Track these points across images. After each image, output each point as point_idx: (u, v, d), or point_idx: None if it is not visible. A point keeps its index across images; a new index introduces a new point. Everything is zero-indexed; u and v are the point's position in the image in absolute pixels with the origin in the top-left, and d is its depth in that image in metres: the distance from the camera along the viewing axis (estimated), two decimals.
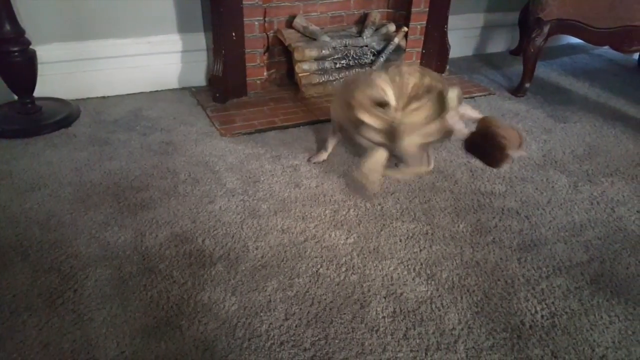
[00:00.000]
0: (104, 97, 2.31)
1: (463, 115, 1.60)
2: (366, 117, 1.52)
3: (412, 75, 1.57)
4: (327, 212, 1.60)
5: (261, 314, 1.22)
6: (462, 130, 1.58)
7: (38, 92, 2.07)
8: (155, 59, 2.35)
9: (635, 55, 3.02)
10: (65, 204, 1.58)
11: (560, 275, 1.39)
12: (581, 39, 2.38)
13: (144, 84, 2.38)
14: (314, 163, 1.86)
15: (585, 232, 1.56)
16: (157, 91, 2.40)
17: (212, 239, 1.46)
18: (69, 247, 1.40)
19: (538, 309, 1.28)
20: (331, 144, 1.87)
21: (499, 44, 3.15)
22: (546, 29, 2.34)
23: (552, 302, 1.30)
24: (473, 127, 1.58)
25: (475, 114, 1.62)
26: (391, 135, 1.53)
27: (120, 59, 2.28)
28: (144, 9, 2.24)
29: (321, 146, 1.91)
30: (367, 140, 1.59)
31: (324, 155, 1.87)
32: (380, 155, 1.62)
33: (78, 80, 2.25)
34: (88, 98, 2.29)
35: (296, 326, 1.20)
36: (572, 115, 2.32)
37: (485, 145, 1.55)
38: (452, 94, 1.50)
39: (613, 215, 1.65)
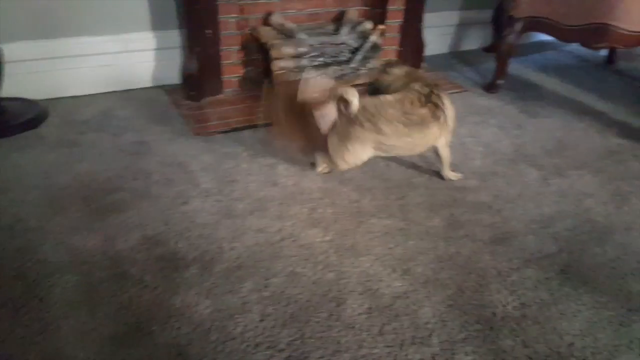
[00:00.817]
0: (74, 97, 2.27)
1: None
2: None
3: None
4: (304, 210, 1.61)
5: (236, 316, 1.22)
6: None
7: (4, 92, 2.02)
8: (128, 57, 2.32)
9: (604, 52, 3.09)
10: (32, 209, 1.55)
11: (530, 267, 1.42)
12: (552, 35, 2.43)
13: (115, 83, 2.35)
14: (323, 173, 1.81)
15: (555, 224, 1.60)
16: (129, 90, 2.37)
17: (186, 241, 1.45)
18: (35, 253, 1.37)
19: (509, 300, 1.31)
20: (319, 157, 1.80)
21: (473, 42, 3.19)
22: (518, 26, 2.38)
23: (523, 293, 1.33)
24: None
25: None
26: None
27: (91, 57, 2.24)
28: (116, 5, 2.20)
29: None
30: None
31: (324, 167, 1.82)
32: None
33: (47, 79, 2.21)
34: (57, 98, 2.24)
35: (272, 327, 1.20)
36: (542, 111, 2.37)
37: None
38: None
39: (581, 207, 1.69)
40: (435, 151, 1.75)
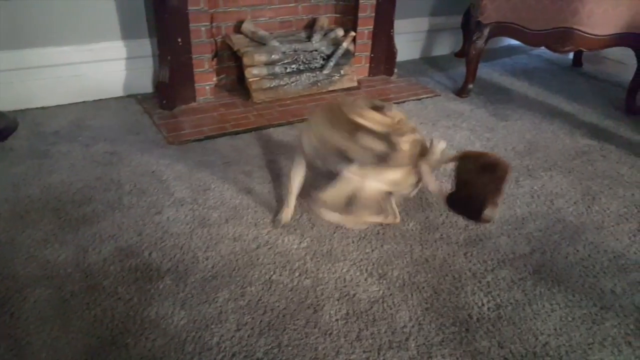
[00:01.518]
0: (43, 108, 2.23)
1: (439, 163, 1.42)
2: (364, 120, 1.31)
3: (394, 111, 1.40)
4: (280, 216, 1.60)
5: (212, 326, 1.20)
6: (435, 188, 1.41)
7: None
8: (98, 66, 2.28)
9: (571, 55, 3.16)
10: (1, 222, 1.51)
11: (504, 268, 1.44)
12: (518, 40, 2.48)
13: (86, 93, 2.31)
14: (283, 226, 1.58)
15: (527, 225, 1.63)
16: (101, 100, 2.33)
17: (160, 251, 1.43)
18: (5, 267, 1.34)
19: (484, 301, 1.32)
20: (293, 197, 1.58)
21: (444, 47, 3.23)
22: (486, 31, 2.43)
23: (498, 294, 1.35)
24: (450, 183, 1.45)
25: (448, 157, 1.42)
26: (391, 138, 1.29)
27: (61, 68, 2.21)
28: (85, 15, 2.17)
29: (281, 204, 1.63)
30: (363, 149, 1.32)
31: (288, 213, 1.59)
32: (344, 188, 1.40)
33: (15, 90, 2.16)
34: (27, 109, 2.19)
35: (248, 336, 1.19)
36: (513, 114, 2.41)
37: (467, 199, 1.33)
38: (441, 145, 1.35)
39: (552, 207, 1.72)
40: None
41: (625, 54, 2.62)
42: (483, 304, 1.31)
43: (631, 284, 1.41)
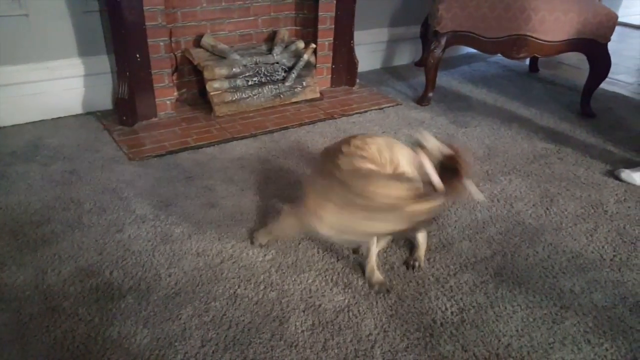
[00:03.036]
0: (0, 128, 2.17)
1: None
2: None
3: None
4: (244, 230, 1.59)
5: (175, 344, 1.19)
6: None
7: None
8: (56, 84, 2.24)
9: (527, 61, 3.26)
10: None
11: (466, 272, 1.47)
12: (475, 48, 2.55)
13: (44, 112, 2.26)
14: (260, 245, 1.53)
15: (488, 229, 1.66)
16: (59, 118, 2.28)
17: (121, 270, 1.40)
18: None
19: (448, 306, 1.34)
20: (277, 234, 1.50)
21: (404, 57, 3.29)
22: (443, 40, 2.48)
23: (460, 298, 1.37)
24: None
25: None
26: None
27: (16, 87, 2.15)
28: (40, 33, 2.13)
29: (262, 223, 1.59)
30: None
31: (265, 237, 1.52)
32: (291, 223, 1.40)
33: None
34: None
35: (213, 352, 1.17)
36: (472, 120, 2.47)
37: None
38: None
39: (512, 210, 1.77)
40: None
41: (580, 59, 2.72)
42: (446, 309, 1.33)
43: (589, 282, 1.45)
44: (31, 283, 1.34)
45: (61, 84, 2.25)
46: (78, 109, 2.33)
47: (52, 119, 2.27)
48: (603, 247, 1.60)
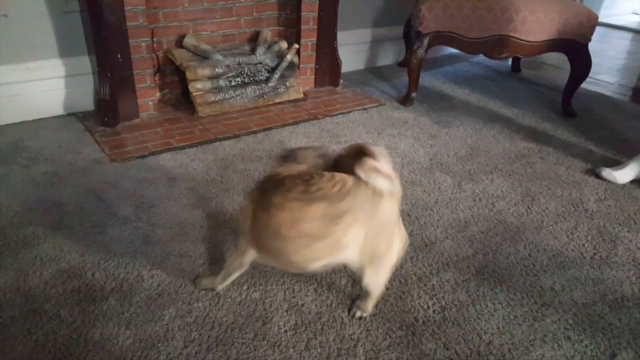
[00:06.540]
0: None
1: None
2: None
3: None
4: (227, 230, 1.59)
5: (158, 345, 1.18)
6: None
7: None
8: (36, 85, 2.21)
9: (509, 61, 3.30)
10: None
11: (448, 270, 1.48)
12: (457, 48, 2.57)
13: (24, 113, 2.23)
14: (202, 290, 1.36)
15: (470, 228, 1.68)
16: (40, 119, 2.25)
17: (103, 271, 1.39)
18: None
19: (430, 304, 1.35)
20: (233, 272, 1.34)
21: (388, 57, 3.31)
22: (425, 41, 2.50)
23: (442, 297, 1.38)
24: None
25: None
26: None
27: None
28: (20, 33, 2.10)
29: (215, 268, 1.43)
30: None
31: (216, 283, 1.35)
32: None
33: None
34: None
35: (196, 352, 1.17)
36: (455, 120, 2.49)
37: None
38: None
39: (494, 209, 1.79)
40: None
41: (561, 59, 2.76)
42: (428, 307, 1.34)
43: (569, 280, 1.47)
44: (12, 285, 1.32)
45: (42, 85, 2.22)
46: (59, 110, 2.31)
47: (33, 120, 2.24)
48: (583, 245, 1.62)
